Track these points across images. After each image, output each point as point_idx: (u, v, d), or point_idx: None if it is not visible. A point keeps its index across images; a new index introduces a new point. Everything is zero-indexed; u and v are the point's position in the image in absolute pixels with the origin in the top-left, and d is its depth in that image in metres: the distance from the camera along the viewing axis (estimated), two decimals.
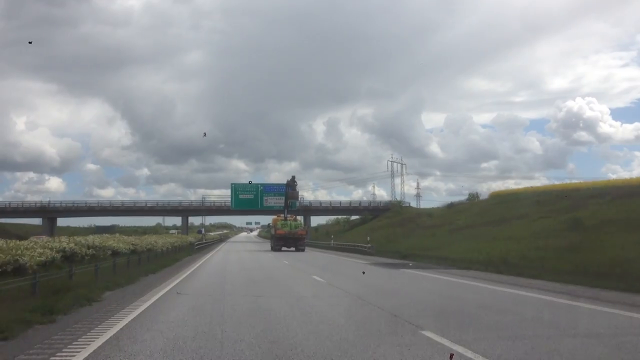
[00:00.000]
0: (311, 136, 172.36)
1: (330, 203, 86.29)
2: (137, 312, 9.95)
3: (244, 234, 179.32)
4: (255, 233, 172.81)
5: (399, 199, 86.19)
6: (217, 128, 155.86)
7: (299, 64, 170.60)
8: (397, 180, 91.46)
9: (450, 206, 66.34)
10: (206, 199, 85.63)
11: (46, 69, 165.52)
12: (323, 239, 64.52)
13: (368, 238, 44.62)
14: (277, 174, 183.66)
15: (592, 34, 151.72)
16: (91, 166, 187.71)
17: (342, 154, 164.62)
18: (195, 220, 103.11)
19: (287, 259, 32.81)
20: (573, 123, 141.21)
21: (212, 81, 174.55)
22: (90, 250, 19.60)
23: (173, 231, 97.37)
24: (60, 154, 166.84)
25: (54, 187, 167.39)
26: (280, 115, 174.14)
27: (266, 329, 8.08)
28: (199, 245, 53.53)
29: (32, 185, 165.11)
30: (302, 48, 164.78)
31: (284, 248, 47.60)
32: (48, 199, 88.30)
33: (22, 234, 56.17)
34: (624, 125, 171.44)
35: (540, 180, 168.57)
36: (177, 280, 17.18)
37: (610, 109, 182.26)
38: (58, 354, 6.62)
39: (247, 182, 78.60)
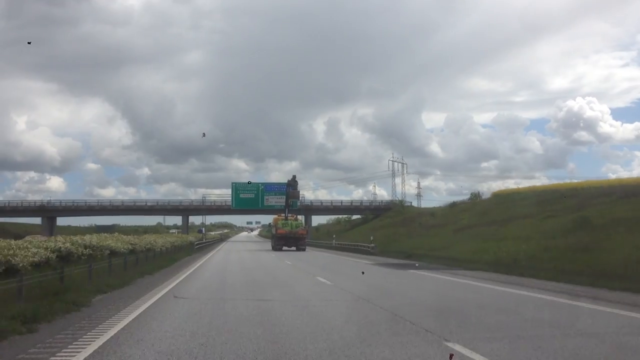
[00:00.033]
0: (311, 136, 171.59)
1: (332, 202, 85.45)
2: (129, 319, 9.09)
3: (244, 233, 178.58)
4: (255, 232, 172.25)
5: (399, 198, 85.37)
6: (217, 128, 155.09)
7: (299, 64, 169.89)
8: (398, 180, 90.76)
9: (453, 205, 65.43)
10: (207, 198, 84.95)
11: (46, 68, 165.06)
12: (324, 239, 63.93)
13: (371, 237, 43.82)
14: (277, 174, 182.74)
15: (592, 33, 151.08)
16: (92, 166, 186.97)
17: (342, 154, 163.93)
18: (195, 220, 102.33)
19: (289, 259, 32.09)
20: (573, 123, 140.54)
21: (212, 81, 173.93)
22: (87, 250, 18.78)
23: (173, 230, 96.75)
24: (61, 153, 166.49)
25: (55, 187, 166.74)
26: (281, 114, 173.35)
27: (271, 341, 7.24)
28: (199, 244, 52.86)
29: (33, 185, 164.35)
30: (302, 48, 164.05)
31: (284, 248, 47.31)
32: (49, 199, 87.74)
33: (21, 233, 55.75)
34: (624, 125, 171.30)
35: (540, 180, 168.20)
36: (176, 282, 16.44)
37: (610, 108, 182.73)
38: None
39: (247, 182, 78.18)
